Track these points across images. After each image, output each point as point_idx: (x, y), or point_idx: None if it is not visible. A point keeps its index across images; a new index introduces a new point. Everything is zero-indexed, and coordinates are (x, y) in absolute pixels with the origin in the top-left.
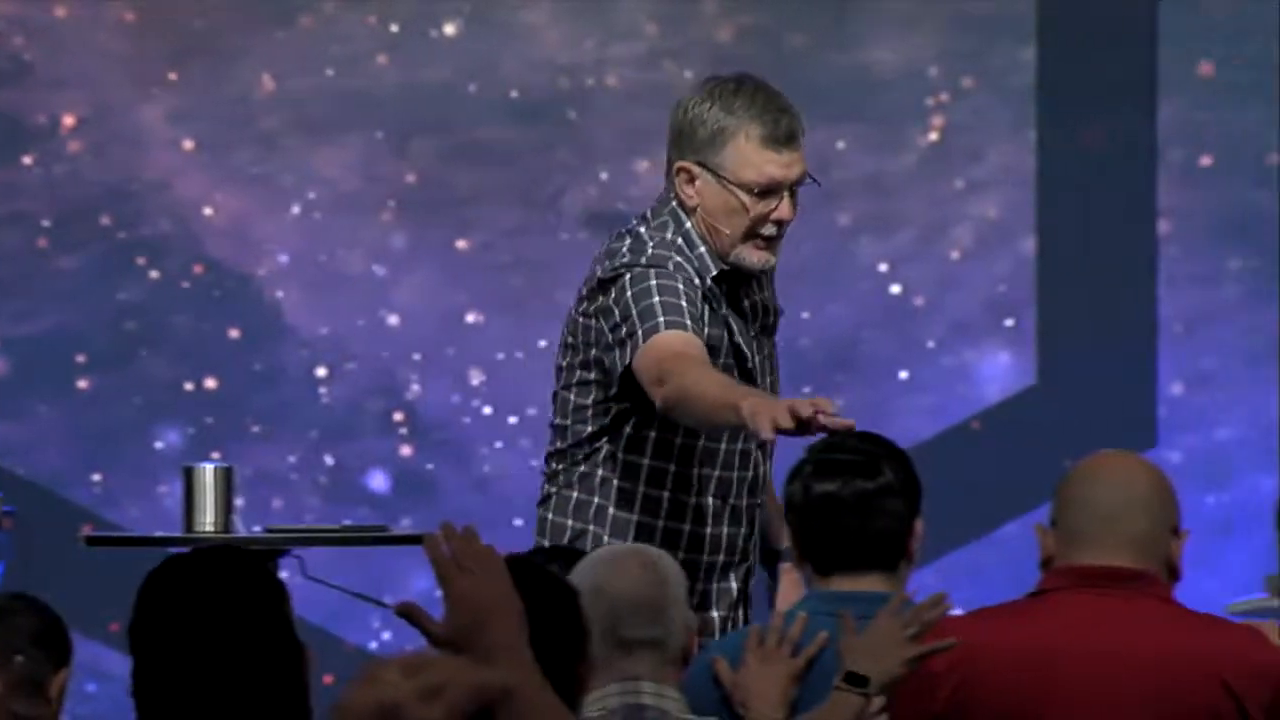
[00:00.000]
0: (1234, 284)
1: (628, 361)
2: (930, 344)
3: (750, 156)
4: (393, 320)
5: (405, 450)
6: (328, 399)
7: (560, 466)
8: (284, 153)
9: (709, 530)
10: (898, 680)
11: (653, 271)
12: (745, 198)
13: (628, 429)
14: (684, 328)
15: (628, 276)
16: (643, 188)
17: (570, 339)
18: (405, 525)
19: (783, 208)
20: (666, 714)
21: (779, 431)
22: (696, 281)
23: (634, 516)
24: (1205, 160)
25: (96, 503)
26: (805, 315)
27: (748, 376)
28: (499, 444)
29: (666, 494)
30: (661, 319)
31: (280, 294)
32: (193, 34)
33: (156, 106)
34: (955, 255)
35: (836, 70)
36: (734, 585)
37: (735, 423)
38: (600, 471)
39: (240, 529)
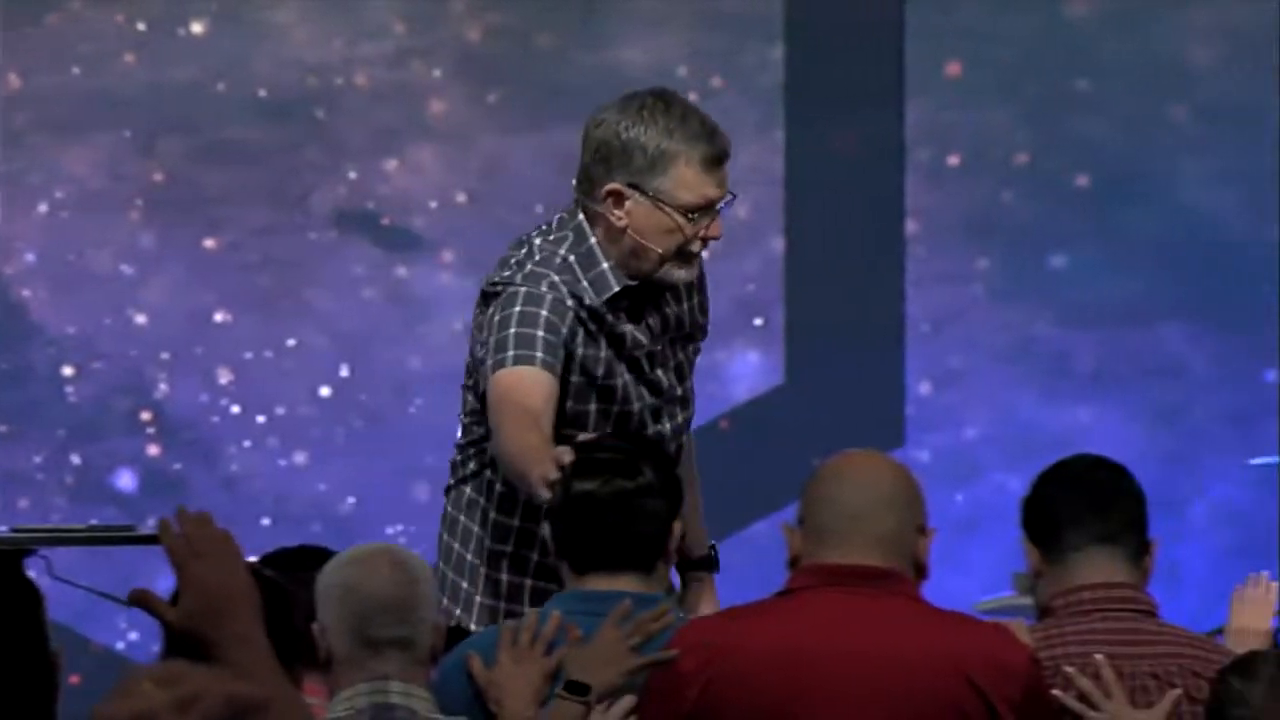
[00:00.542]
0: (981, 283)
1: (482, 390)
2: None
3: (690, 180)
4: (140, 319)
5: (153, 450)
6: (75, 398)
7: (459, 459)
8: (31, 151)
9: None
10: (633, 686)
11: (521, 294)
12: (681, 219)
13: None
14: (532, 361)
15: (502, 296)
16: (392, 186)
17: (472, 339)
18: (153, 525)
19: (714, 226)
20: (415, 713)
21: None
22: (569, 303)
23: (515, 522)
24: (953, 160)
25: None
26: None
27: (651, 386)
28: (247, 443)
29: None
30: (510, 353)
31: (27, 293)
32: None
33: None
34: (705, 254)
35: (585, 70)
36: None
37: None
38: (488, 472)
39: None
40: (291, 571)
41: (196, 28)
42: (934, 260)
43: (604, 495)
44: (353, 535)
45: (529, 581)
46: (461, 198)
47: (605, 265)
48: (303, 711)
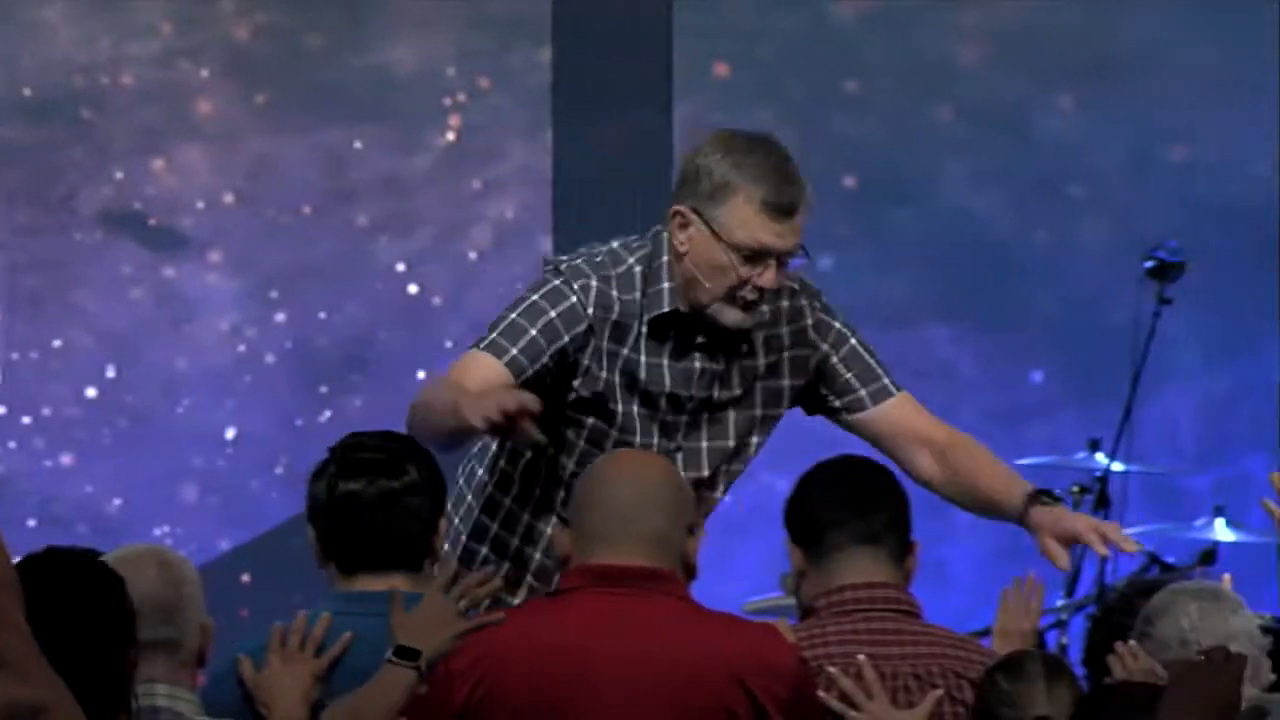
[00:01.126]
0: None
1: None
2: (448, 344)
3: (747, 219)
4: None
5: None
6: None
7: (466, 460)
8: None
9: (534, 553)
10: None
11: (547, 287)
12: (733, 258)
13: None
14: (501, 352)
15: (537, 281)
16: (160, 186)
17: None
18: None
19: (767, 276)
20: (180, 715)
21: (493, 427)
22: (589, 311)
23: (493, 526)
24: None
25: None
26: (322, 315)
27: (664, 428)
28: (13, 444)
29: (521, 510)
30: (490, 337)
31: None
32: None
33: None
34: (473, 255)
35: (353, 70)
36: None
37: (452, 426)
38: (480, 472)
39: None
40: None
41: None
42: None
43: (369, 495)
44: (120, 536)
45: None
46: (229, 198)
47: (666, 285)
48: (77, 714)
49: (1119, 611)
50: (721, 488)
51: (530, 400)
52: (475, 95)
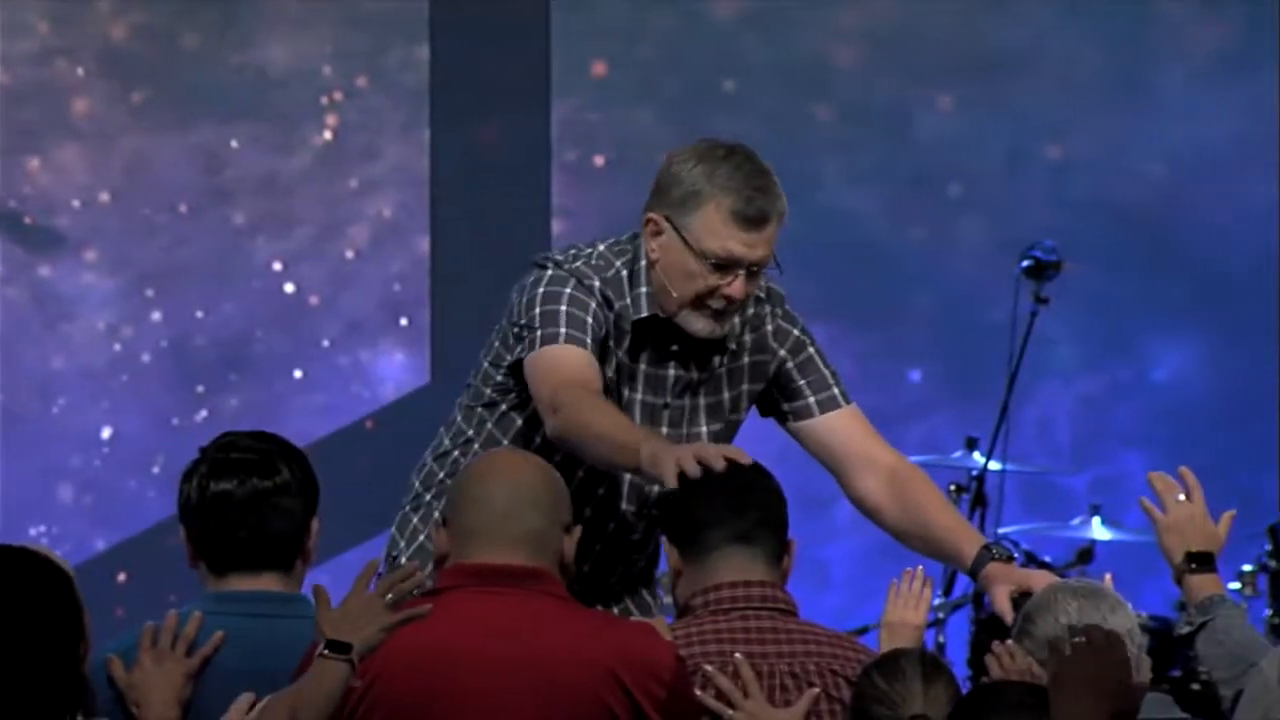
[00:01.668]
0: None
1: (521, 357)
2: (325, 343)
3: (716, 227)
4: None
5: None
6: None
7: (445, 438)
8: None
9: None
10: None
11: (572, 281)
12: (702, 266)
13: (490, 426)
14: (584, 345)
15: (548, 272)
16: (34, 186)
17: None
18: None
19: (736, 285)
20: None
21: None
22: (602, 316)
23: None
24: (598, 160)
25: None
26: (199, 314)
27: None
28: None
29: None
30: (564, 330)
31: None
32: None
33: None
34: (350, 254)
35: (229, 69)
36: None
37: (631, 466)
38: (440, 473)
39: None
40: None
41: None
42: None
43: (240, 495)
44: None
45: None
46: (105, 196)
47: (644, 289)
48: None
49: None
50: None
51: (737, 452)
52: (352, 94)
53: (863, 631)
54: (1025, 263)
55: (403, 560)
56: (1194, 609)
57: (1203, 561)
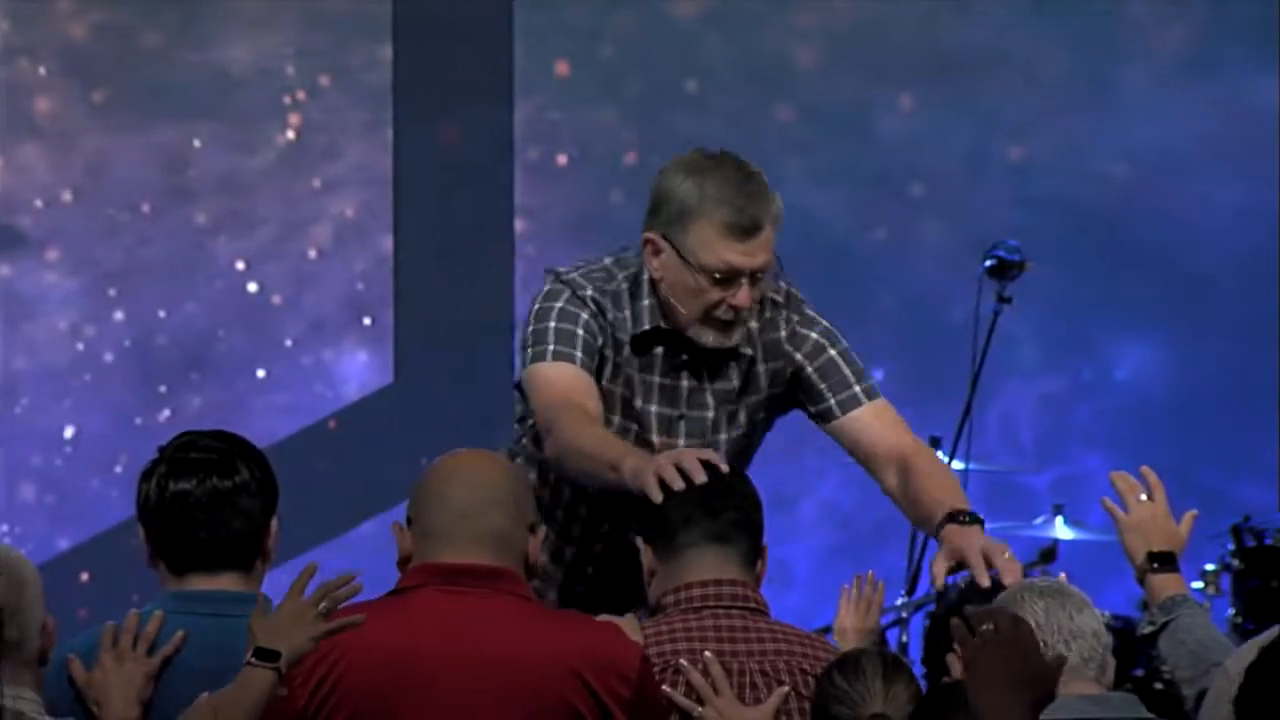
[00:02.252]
0: None
1: (518, 378)
2: (288, 342)
3: (712, 242)
4: None
5: None
6: None
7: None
8: None
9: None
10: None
11: (566, 294)
12: (703, 281)
13: (524, 440)
14: (572, 360)
15: (547, 286)
16: None
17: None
18: None
19: (741, 295)
20: (22, 715)
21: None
22: (595, 325)
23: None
24: (561, 159)
25: None
26: (161, 314)
27: (643, 440)
28: None
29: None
30: (551, 346)
31: None
32: None
33: None
34: (313, 254)
35: (191, 69)
36: None
37: (617, 483)
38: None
39: None
40: None
41: None
42: (543, 259)
43: (199, 495)
44: None
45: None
46: (67, 196)
47: (647, 302)
48: None
49: (959, 610)
50: None
51: (696, 471)
52: (315, 93)
53: (824, 631)
54: (988, 262)
55: None
56: (1156, 609)
57: (1165, 561)
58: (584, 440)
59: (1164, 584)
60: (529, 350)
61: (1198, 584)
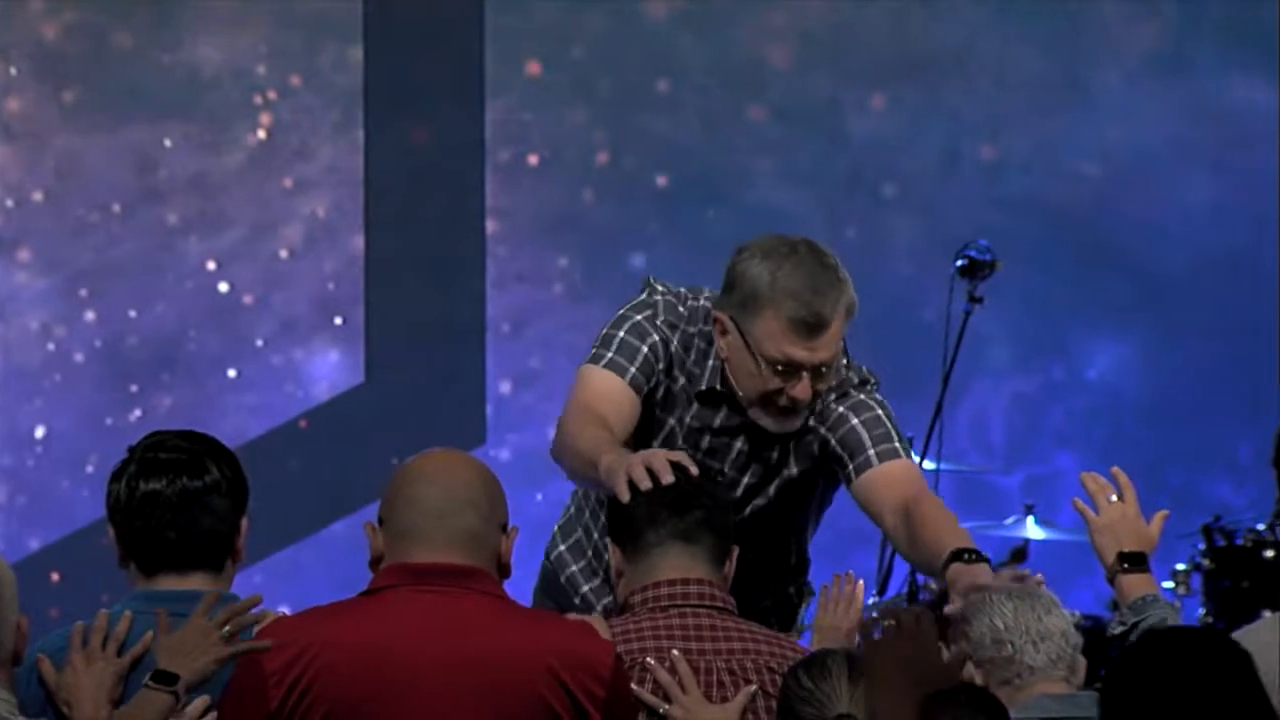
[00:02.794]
0: (561, 283)
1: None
2: (259, 342)
3: (775, 334)
4: None
5: None
6: None
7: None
8: None
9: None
10: (211, 678)
11: (648, 312)
12: (765, 369)
13: None
14: (623, 372)
15: (640, 298)
16: None
17: None
18: None
19: (800, 388)
20: None
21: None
22: (660, 352)
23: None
24: (532, 160)
25: None
26: (132, 314)
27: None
28: None
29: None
30: (610, 354)
31: None
32: None
33: None
34: (284, 254)
35: (162, 69)
36: None
37: (598, 481)
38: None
39: None
40: None
41: None
42: (514, 260)
43: (170, 495)
44: None
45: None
46: (38, 196)
47: (713, 362)
48: None
49: (934, 610)
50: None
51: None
52: (286, 94)
53: (799, 633)
54: (959, 262)
55: (551, 556)
56: (1127, 609)
57: (1135, 561)
58: (579, 440)
59: (1135, 584)
60: (593, 349)
61: (1168, 584)
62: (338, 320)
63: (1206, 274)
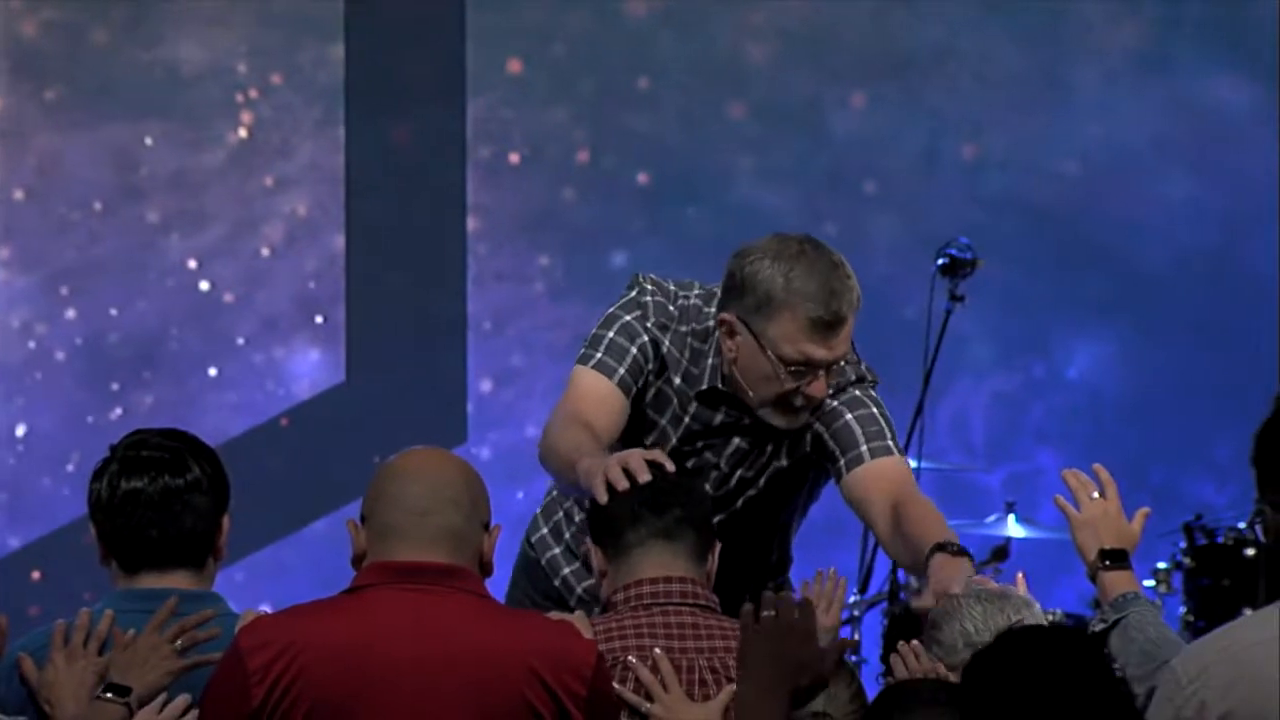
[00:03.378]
0: (542, 281)
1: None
2: (240, 340)
3: (794, 335)
4: None
5: None
6: None
7: None
8: None
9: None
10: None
11: (637, 313)
12: (780, 370)
13: None
14: (610, 373)
15: (629, 296)
16: None
17: None
18: None
19: (816, 386)
20: None
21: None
22: (649, 352)
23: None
24: (513, 158)
25: None
26: (113, 312)
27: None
28: None
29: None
30: (599, 355)
31: None
32: None
33: None
34: (265, 252)
35: (142, 66)
36: None
37: (577, 483)
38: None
39: None
40: None
41: None
42: (495, 258)
43: (151, 493)
44: None
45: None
46: (19, 194)
47: (711, 361)
48: None
49: (913, 609)
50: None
51: (641, 470)
52: (267, 91)
53: None
54: (940, 260)
55: (533, 539)
56: (1108, 606)
57: (1117, 559)
58: (560, 441)
59: (1116, 582)
60: (583, 349)
61: (1150, 582)
62: (319, 318)
63: (1187, 272)
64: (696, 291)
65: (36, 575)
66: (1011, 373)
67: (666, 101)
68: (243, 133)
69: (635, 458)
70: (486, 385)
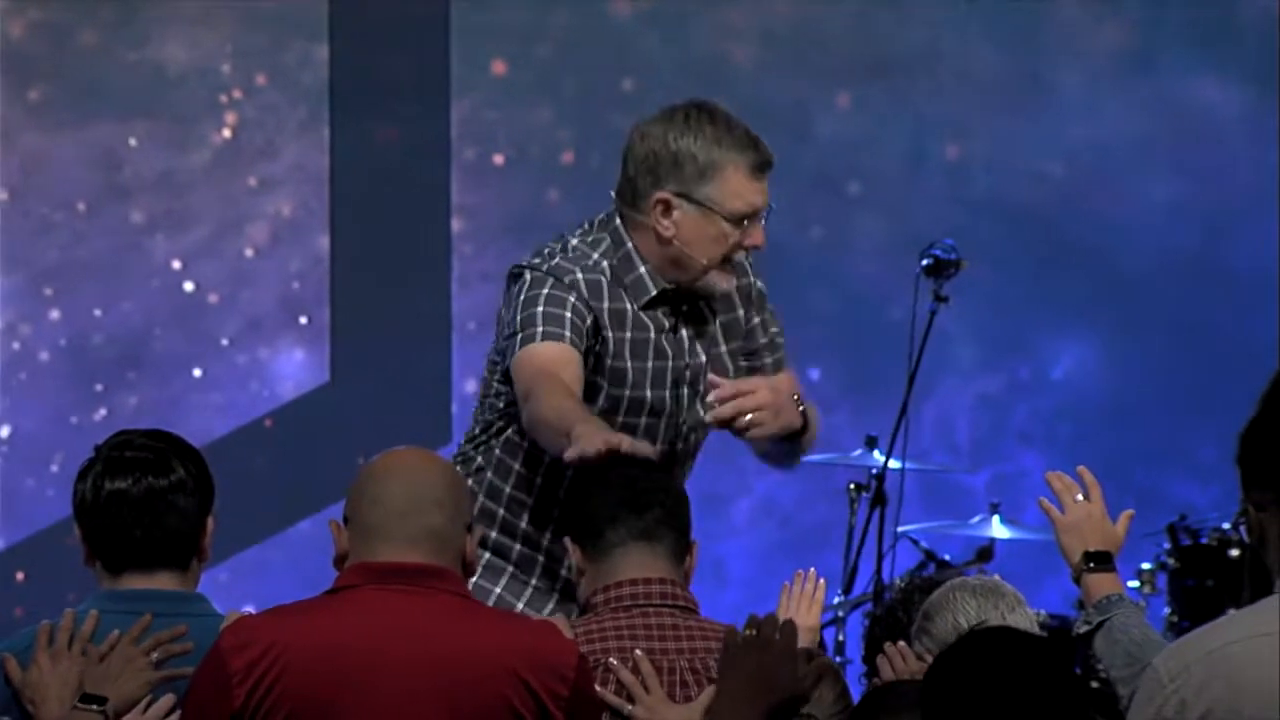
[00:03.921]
0: None
1: (507, 364)
2: (224, 341)
3: (740, 188)
4: None
5: None
6: None
7: (468, 449)
8: None
9: (517, 547)
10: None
11: (550, 281)
12: (728, 227)
13: (498, 452)
14: (560, 339)
15: (528, 278)
16: None
17: (499, 321)
18: None
19: (756, 233)
20: None
21: (588, 458)
22: (583, 307)
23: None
24: (498, 159)
25: None
26: (97, 312)
27: (662, 397)
28: None
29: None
30: (540, 329)
31: None
32: None
33: None
34: (249, 253)
35: (127, 67)
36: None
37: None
38: (497, 453)
39: None
40: None
41: None
42: (480, 258)
43: (135, 494)
44: None
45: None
46: (2, 194)
47: (642, 269)
48: None
49: (900, 607)
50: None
51: (624, 441)
52: (251, 92)
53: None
54: (925, 261)
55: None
56: (1092, 608)
57: (1101, 561)
58: (547, 410)
59: (1100, 583)
60: (518, 336)
61: (1134, 583)
62: (303, 319)
63: (1171, 273)
64: (571, 239)
65: (20, 576)
66: (996, 374)
67: (651, 102)
68: (227, 133)
69: (622, 442)
70: (471, 386)
